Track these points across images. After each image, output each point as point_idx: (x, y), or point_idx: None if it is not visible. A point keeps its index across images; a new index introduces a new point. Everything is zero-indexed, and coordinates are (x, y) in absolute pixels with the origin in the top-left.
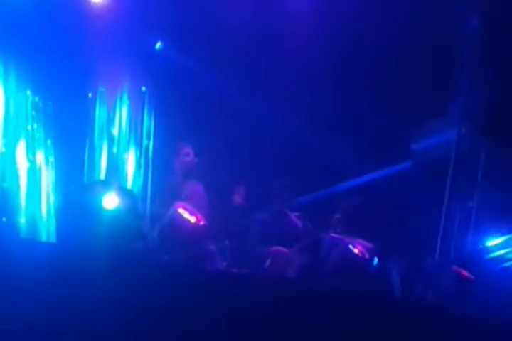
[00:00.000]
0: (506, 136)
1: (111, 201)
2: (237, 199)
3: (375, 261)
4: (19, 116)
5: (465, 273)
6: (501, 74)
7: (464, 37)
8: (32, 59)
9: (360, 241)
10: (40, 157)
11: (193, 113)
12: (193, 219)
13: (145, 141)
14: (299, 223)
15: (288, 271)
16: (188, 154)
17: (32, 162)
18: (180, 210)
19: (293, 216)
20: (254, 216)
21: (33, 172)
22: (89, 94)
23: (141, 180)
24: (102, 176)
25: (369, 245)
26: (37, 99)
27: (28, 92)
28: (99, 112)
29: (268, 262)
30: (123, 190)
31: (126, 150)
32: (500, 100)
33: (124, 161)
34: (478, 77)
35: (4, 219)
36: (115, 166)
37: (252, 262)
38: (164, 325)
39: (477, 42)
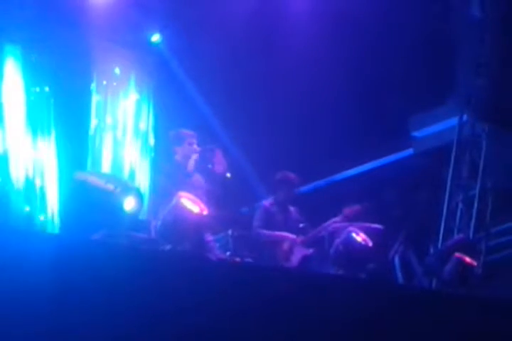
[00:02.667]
0: (508, 122)
1: (129, 203)
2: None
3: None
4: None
5: (467, 259)
6: (502, 61)
7: (466, 24)
8: (37, 53)
9: (367, 225)
10: (47, 149)
11: (195, 103)
12: (196, 209)
13: (147, 132)
14: (298, 217)
15: (290, 258)
16: (191, 144)
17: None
18: (184, 200)
19: (293, 209)
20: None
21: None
22: (92, 85)
23: (144, 169)
24: (106, 167)
25: (378, 227)
26: (44, 90)
27: (37, 88)
28: (101, 103)
29: (274, 245)
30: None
31: (129, 140)
32: (501, 87)
33: (126, 151)
34: (479, 65)
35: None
36: (118, 156)
37: (254, 244)
38: (166, 314)
39: (478, 30)
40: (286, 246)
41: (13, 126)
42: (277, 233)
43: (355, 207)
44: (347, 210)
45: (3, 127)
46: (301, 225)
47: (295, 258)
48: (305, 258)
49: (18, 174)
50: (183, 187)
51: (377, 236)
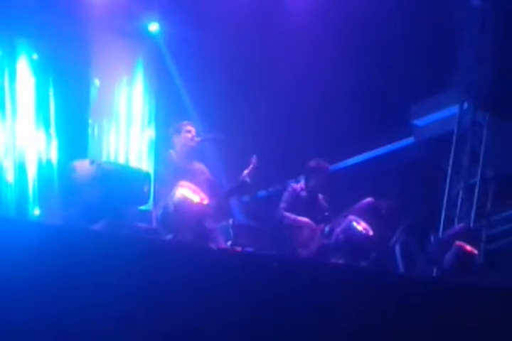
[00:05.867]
0: (508, 110)
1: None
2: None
3: None
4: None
5: (468, 247)
6: (503, 49)
7: (466, 13)
8: (36, 43)
9: (356, 206)
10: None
11: (199, 92)
12: (196, 199)
13: (149, 122)
14: (325, 205)
15: (309, 246)
16: (189, 131)
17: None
18: (184, 189)
19: (321, 197)
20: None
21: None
22: (92, 76)
23: (144, 159)
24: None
25: (369, 200)
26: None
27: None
28: (102, 94)
29: (295, 230)
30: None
31: (131, 130)
32: (502, 75)
33: (128, 141)
34: (480, 52)
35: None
36: (120, 147)
37: (277, 225)
38: (168, 305)
39: (479, 18)
40: (306, 232)
41: (21, 117)
42: (300, 218)
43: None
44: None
45: (15, 119)
46: (326, 214)
47: (314, 246)
48: (322, 247)
49: (28, 165)
50: (182, 176)
51: (372, 208)
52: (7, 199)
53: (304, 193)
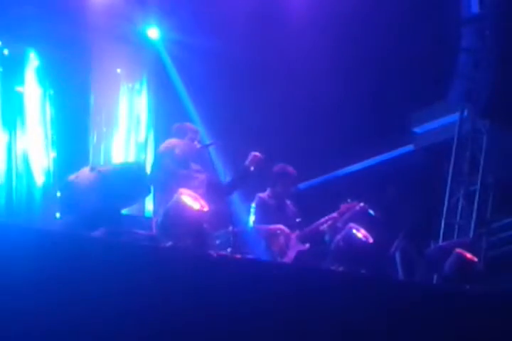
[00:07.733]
0: (508, 118)
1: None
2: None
3: None
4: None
5: (468, 255)
6: (502, 56)
7: (466, 20)
8: (38, 50)
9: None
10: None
11: (201, 98)
12: (196, 206)
13: (148, 128)
14: (295, 211)
15: (287, 253)
16: (193, 139)
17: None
18: (184, 197)
19: (289, 203)
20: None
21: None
22: (93, 82)
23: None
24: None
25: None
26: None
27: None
28: (102, 100)
29: (270, 238)
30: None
31: (132, 137)
32: (502, 82)
33: (129, 147)
34: (479, 60)
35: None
36: (120, 152)
37: (252, 236)
38: (168, 311)
39: (478, 25)
40: (282, 240)
41: (23, 124)
42: (273, 227)
43: (352, 204)
44: (344, 206)
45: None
46: (297, 220)
47: (291, 253)
48: (300, 254)
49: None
50: (180, 180)
51: (366, 214)
52: (8, 205)
53: (271, 201)
